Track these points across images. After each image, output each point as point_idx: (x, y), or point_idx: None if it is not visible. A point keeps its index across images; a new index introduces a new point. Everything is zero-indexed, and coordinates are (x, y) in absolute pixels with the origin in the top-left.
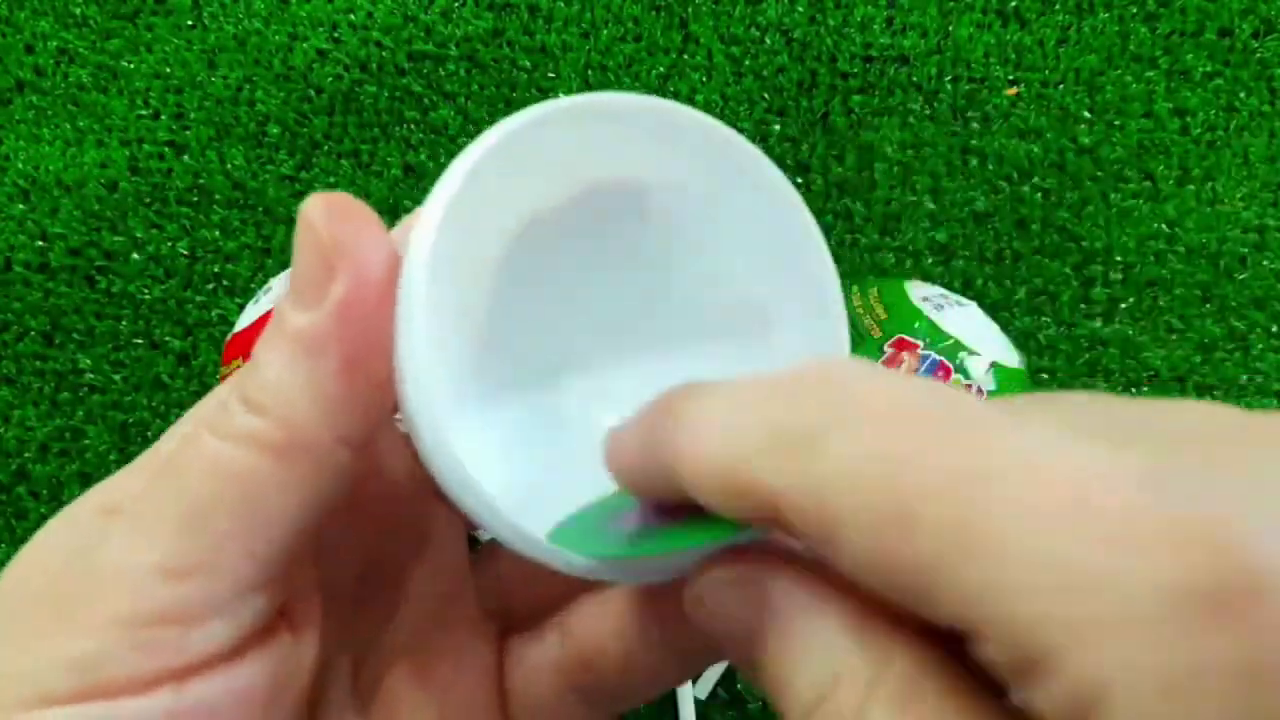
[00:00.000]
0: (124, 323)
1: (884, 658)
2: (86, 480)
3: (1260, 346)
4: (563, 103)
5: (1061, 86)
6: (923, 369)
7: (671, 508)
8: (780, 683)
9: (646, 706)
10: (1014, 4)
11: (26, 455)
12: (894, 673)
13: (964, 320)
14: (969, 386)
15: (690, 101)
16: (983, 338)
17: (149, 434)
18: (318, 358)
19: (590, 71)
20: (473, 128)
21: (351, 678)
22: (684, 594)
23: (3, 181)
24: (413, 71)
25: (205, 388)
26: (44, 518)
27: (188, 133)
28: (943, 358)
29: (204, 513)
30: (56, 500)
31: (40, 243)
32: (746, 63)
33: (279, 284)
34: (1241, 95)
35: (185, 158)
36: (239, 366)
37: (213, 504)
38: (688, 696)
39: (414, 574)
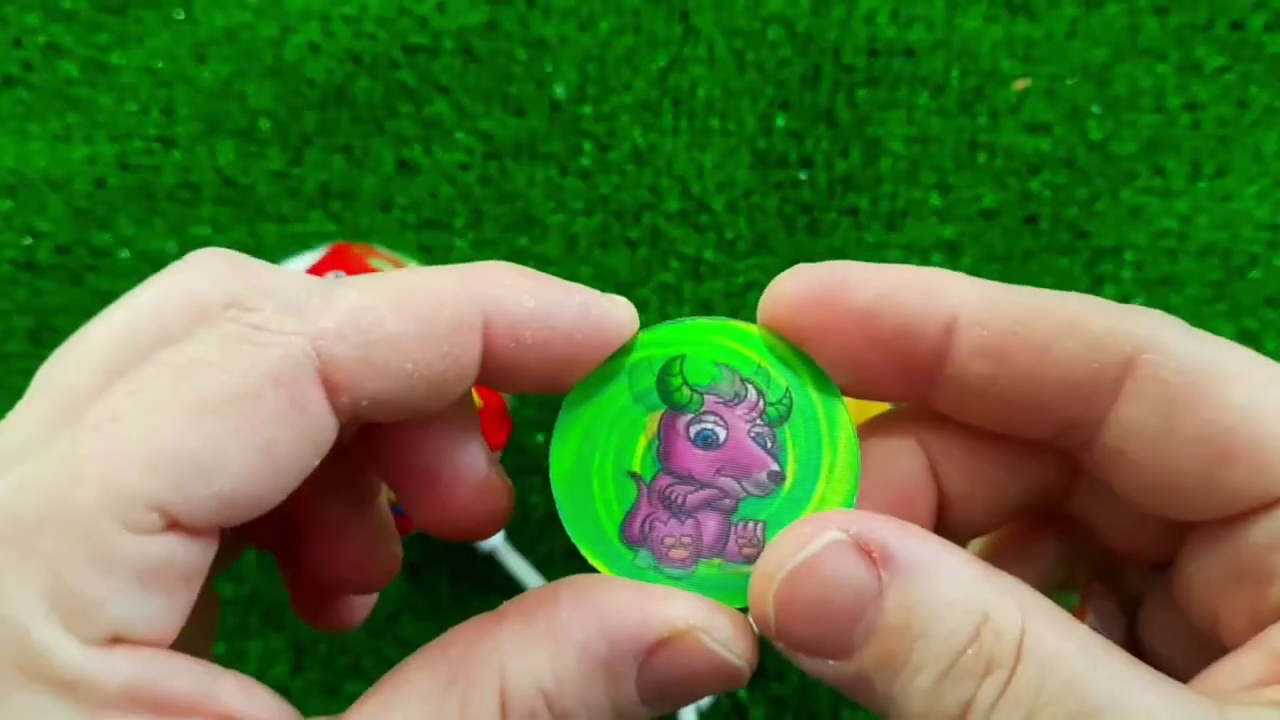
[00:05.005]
0: None
1: (1022, 594)
2: None
3: (1273, 345)
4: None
5: (1071, 80)
6: None
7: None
8: (912, 633)
9: None
10: None
11: None
12: (1037, 605)
13: None
14: None
15: (692, 95)
16: None
17: None
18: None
19: (589, 65)
20: (468, 122)
21: None
22: (780, 569)
23: None
24: (406, 65)
25: None
26: None
27: (177, 128)
28: None
29: None
30: None
31: (27, 240)
32: (749, 56)
33: None
34: (1253, 89)
35: (174, 153)
36: None
37: None
38: (689, 707)
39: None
